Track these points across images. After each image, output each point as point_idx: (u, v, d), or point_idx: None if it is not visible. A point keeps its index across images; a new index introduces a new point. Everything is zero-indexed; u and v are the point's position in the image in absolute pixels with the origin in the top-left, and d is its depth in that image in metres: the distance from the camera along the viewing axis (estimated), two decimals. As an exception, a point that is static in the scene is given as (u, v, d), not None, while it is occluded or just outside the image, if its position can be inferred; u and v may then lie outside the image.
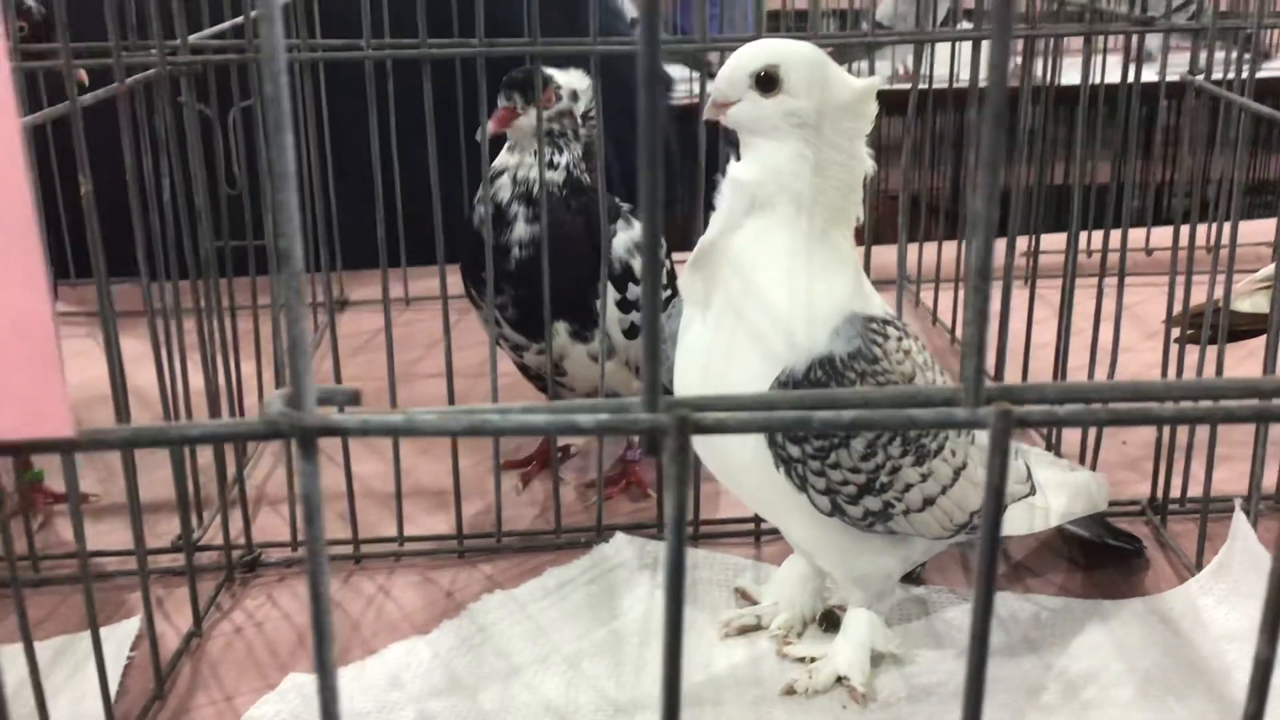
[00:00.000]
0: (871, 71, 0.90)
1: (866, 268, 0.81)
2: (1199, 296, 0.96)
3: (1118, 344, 0.98)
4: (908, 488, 0.73)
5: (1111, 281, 0.97)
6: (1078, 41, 0.99)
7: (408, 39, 0.88)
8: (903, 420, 0.29)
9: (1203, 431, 0.91)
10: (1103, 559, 0.92)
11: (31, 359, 0.26)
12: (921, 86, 1.36)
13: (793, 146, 0.71)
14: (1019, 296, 1.05)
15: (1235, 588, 0.83)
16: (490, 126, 0.93)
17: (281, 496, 0.99)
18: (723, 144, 0.82)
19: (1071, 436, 1.03)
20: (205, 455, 0.94)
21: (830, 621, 0.83)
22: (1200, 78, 0.90)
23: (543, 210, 0.91)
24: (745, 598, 0.88)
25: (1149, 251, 1.57)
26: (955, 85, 1.49)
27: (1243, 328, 1.05)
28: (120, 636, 0.83)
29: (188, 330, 0.92)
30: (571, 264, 0.95)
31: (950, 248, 1.43)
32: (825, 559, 0.80)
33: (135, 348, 0.85)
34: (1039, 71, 1.24)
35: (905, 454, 0.72)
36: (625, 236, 0.98)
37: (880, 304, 0.75)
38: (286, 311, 0.26)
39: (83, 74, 0.77)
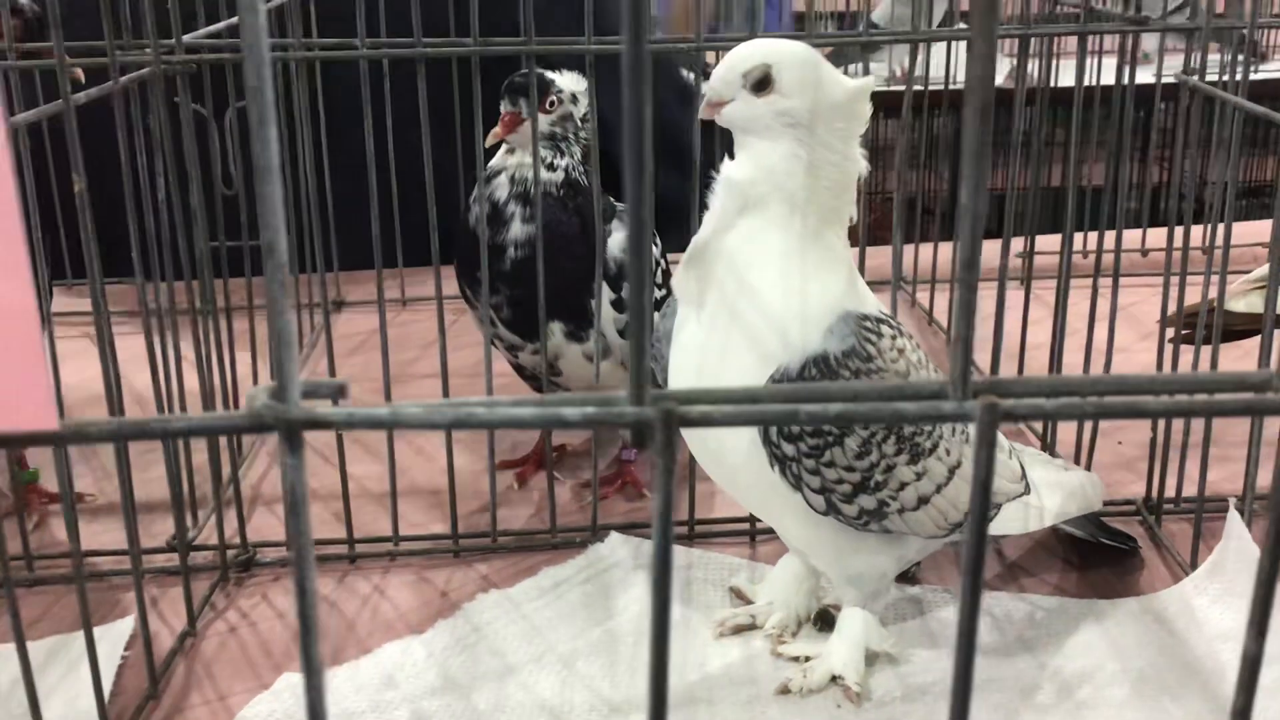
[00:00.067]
0: (866, 73, 0.90)
1: (862, 268, 0.81)
2: (1194, 296, 0.96)
3: (1112, 344, 0.98)
4: (902, 486, 0.73)
5: (1106, 281, 0.97)
6: (1073, 43, 0.98)
7: (403, 38, 0.88)
8: (890, 413, 0.29)
9: (1197, 432, 0.91)
10: (1098, 558, 0.92)
11: (15, 352, 0.26)
12: (917, 88, 1.37)
13: (785, 146, 0.71)
14: (1015, 296, 1.05)
15: (1230, 587, 0.83)
16: (498, 131, 0.93)
17: (276, 496, 0.99)
18: (719, 144, 0.82)
19: (1066, 437, 1.03)
20: (200, 455, 0.94)
21: (825, 621, 0.83)
22: (1195, 78, 0.90)
23: (537, 210, 0.91)
24: (740, 597, 0.87)
25: (1145, 252, 1.58)
26: (952, 87, 1.49)
27: (1238, 327, 1.05)
28: (115, 636, 0.83)
29: (184, 330, 0.92)
30: (567, 264, 0.95)
31: (946, 249, 1.43)
32: (820, 558, 0.80)
33: (132, 349, 0.85)
34: (1034, 72, 1.24)
35: (900, 452, 0.72)
36: (620, 236, 0.98)
37: (874, 303, 0.75)
38: (270, 304, 0.26)
39: (78, 72, 0.77)
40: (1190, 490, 0.92)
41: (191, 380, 0.95)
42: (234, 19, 1.00)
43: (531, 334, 0.97)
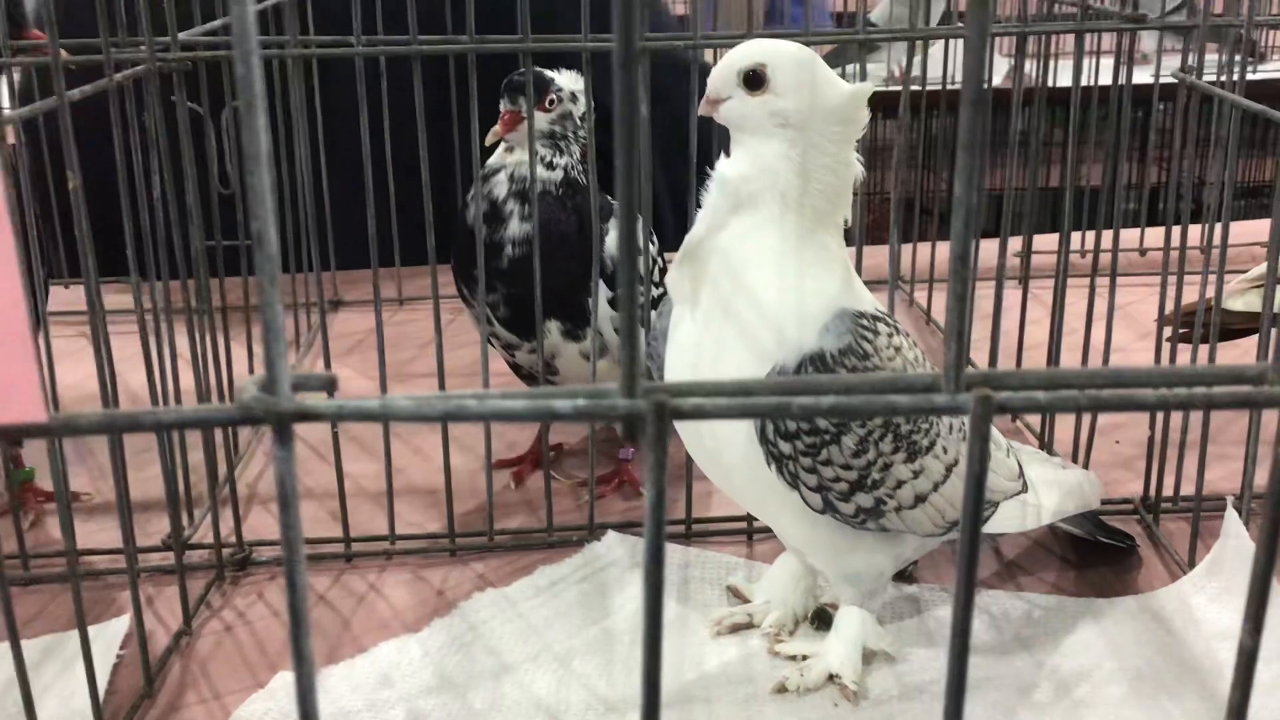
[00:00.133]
0: (864, 74, 0.90)
1: (859, 267, 0.81)
2: (1192, 296, 0.96)
3: (1110, 343, 0.97)
4: (899, 484, 0.73)
5: (1104, 281, 0.97)
6: (1071, 43, 0.98)
7: (399, 35, 0.88)
8: (883, 406, 0.29)
9: (1195, 430, 0.91)
10: (1095, 557, 0.92)
11: (3, 343, 0.26)
12: (915, 88, 1.37)
13: (777, 146, 0.71)
14: (1013, 296, 1.05)
15: (1228, 586, 0.83)
16: (498, 130, 0.93)
17: (273, 495, 0.99)
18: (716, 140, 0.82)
19: (1064, 435, 1.03)
20: (196, 454, 0.94)
21: (822, 619, 0.83)
22: (1192, 76, 0.90)
23: (533, 208, 0.91)
24: (737, 596, 0.87)
25: (1143, 251, 1.58)
26: (950, 87, 1.49)
27: (1236, 326, 1.05)
28: (110, 635, 0.83)
29: (181, 330, 0.92)
30: (565, 263, 0.95)
31: (945, 248, 1.43)
32: (817, 557, 0.80)
33: (128, 348, 0.85)
34: (1031, 71, 1.24)
35: (897, 450, 0.72)
36: (618, 235, 0.97)
37: (871, 301, 0.75)
38: (260, 295, 0.26)
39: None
40: (1188, 489, 0.92)
41: (188, 379, 0.95)
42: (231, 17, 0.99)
43: (528, 333, 0.97)
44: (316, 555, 0.94)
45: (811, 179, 0.71)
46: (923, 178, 2.59)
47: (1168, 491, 0.95)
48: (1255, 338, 0.94)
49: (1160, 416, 0.94)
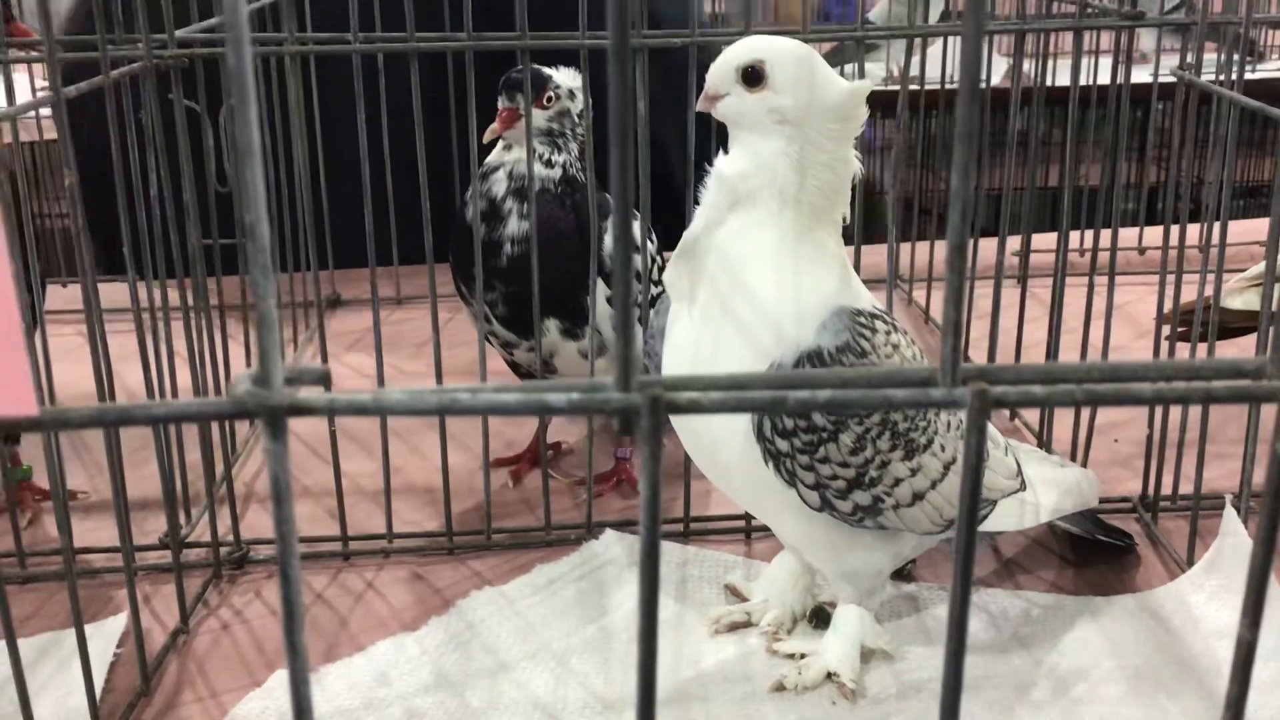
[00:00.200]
0: (862, 72, 0.90)
1: (857, 266, 0.80)
2: (1191, 294, 0.96)
3: (1108, 341, 0.97)
4: (897, 482, 0.73)
5: (1103, 280, 0.96)
6: (1069, 43, 0.98)
7: (397, 32, 0.88)
8: (879, 400, 0.28)
9: (1194, 429, 0.91)
10: (1094, 556, 0.92)
11: (-6, 336, 0.26)
12: (914, 87, 1.37)
13: (775, 143, 0.71)
14: (1011, 295, 1.05)
15: (1226, 584, 0.83)
16: (495, 127, 0.93)
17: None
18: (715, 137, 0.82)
19: (1062, 434, 1.03)
20: (194, 453, 0.94)
21: (820, 618, 0.83)
22: (1190, 74, 0.90)
23: (531, 207, 0.91)
24: (735, 594, 0.87)
25: (1141, 250, 1.57)
26: (948, 86, 1.49)
27: (1234, 324, 1.05)
28: (107, 633, 0.82)
29: (180, 328, 0.92)
30: (563, 261, 0.94)
31: (943, 247, 1.43)
32: (815, 555, 0.80)
33: (126, 347, 0.85)
34: (1029, 70, 1.24)
35: (894, 448, 0.72)
36: (614, 229, 0.97)
37: (869, 298, 0.75)
38: (253, 288, 0.26)
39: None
40: (1186, 488, 0.92)
41: (185, 378, 0.94)
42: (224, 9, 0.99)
43: (527, 331, 0.96)
44: (314, 554, 0.94)
45: (809, 176, 0.71)
46: (921, 177, 2.59)
47: (1166, 490, 0.95)
48: (1254, 336, 0.94)
49: (1159, 414, 0.94)
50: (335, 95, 1.14)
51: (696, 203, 0.74)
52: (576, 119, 0.97)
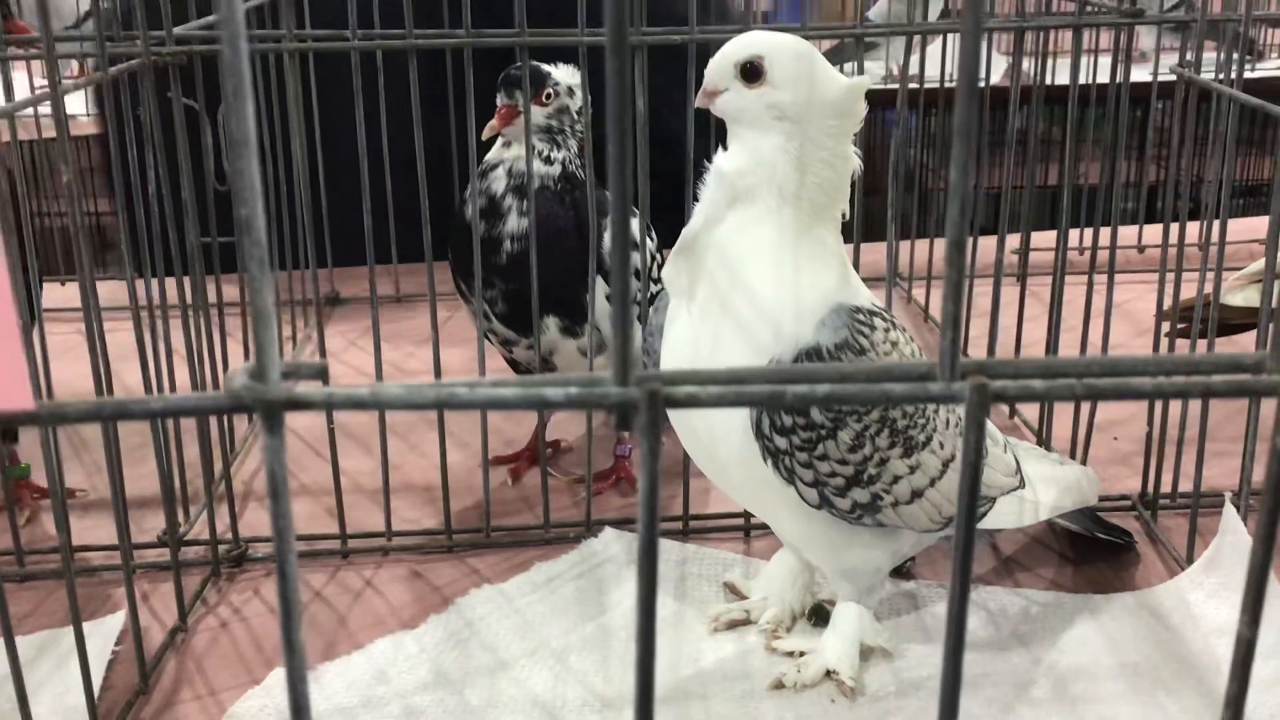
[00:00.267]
0: (861, 71, 0.90)
1: (856, 264, 0.80)
2: (1190, 292, 0.96)
3: (1108, 339, 0.97)
4: (896, 480, 0.73)
5: (1102, 278, 0.96)
6: (1069, 41, 0.98)
7: (395, 29, 0.88)
8: (878, 395, 0.28)
9: (1193, 427, 0.91)
10: (1093, 553, 0.92)
11: (-10, 330, 0.26)
12: (913, 86, 1.36)
13: (774, 139, 0.71)
14: (1010, 293, 1.05)
15: (1226, 582, 0.83)
16: (494, 124, 0.93)
17: (269, 491, 0.98)
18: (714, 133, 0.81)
19: (1061, 432, 1.03)
20: (192, 451, 0.94)
21: (819, 616, 0.83)
22: (1190, 71, 0.89)
23: (530, 204, 0.91)
24: (734, 592, 0.87)
25: (1141, 249, 1.57)
26: (948, 84, 1.49)
27: (1234, 322, 1.04)
28: (105, 631, 0.82)
29: (180, 327, 0.92)
30: (563, 258, 0.94)
31: (943, 245, 1.42)
32: (814, 552, 0.80)
33: (124, 346, 0.85)
34: (1029, 68, 1.24)
35: (893, 446, 0.72)
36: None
37: (868, 296, 0.75)
38: (248, 282, 0.26)
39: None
40: (1186, 486, 0.92)
41: (183, 376, 0.94)
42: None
43: (526, 329, 0.96)
44: (313, 552, 0.94)
45: (809, 172, 0.71)
46: (921, 175, 2.59)
47: (1166, 488, 0.95)
48: (1253, 333, 0.94)
49: (1159, 412, 0.93)
50: (334, 93, 1.14)
51: (696, 199, 0.74)
52: (575, 116, 0.97)
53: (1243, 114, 0.85)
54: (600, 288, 0.96)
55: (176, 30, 0.89)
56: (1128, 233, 1.54)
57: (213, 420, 0.95)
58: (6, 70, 0.74)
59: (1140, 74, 1.53)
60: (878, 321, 0.72)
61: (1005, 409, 1.16)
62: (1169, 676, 0.77)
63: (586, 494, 0.97)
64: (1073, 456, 1.00)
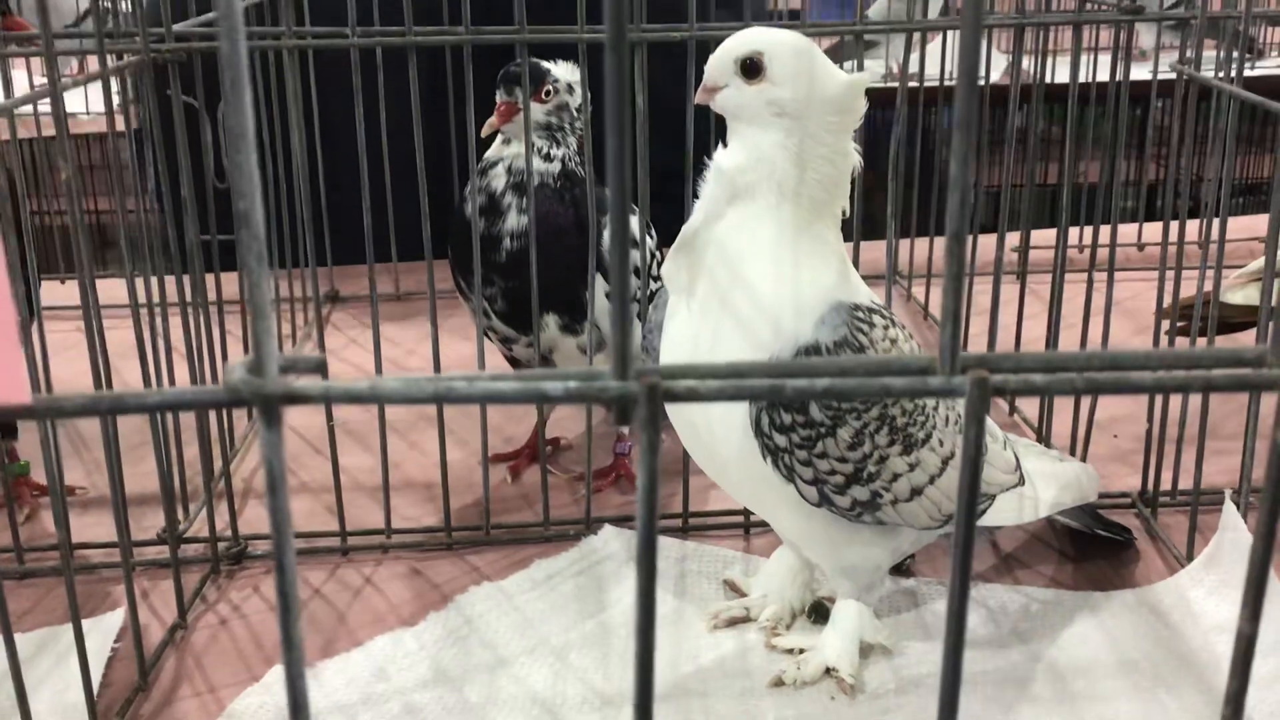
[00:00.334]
0: (861, 69, 0.89)
1: (856, 262, 0.80)
2: (1190, 290, 0.96)
3: (1108, 336, 0.97)
4: (895, 477, 0.73)
5: (1102, 276, 0.96)
6: (1069, 39, 0.98)
7: (394, 26, 0.88)
8: (878, 388, 0.28)
9: (1193, 425, 0.91)
10: (1093, 551, 0.91)
11: (-13, 324, 0.26)
12: (913, 84, 1.36)
13: (774, 135, 0.71)
14: (1010, 290, 1.05)
15: (1226, 579, 0.83)
16: (494, 121, 0.93)
17: (268, 489, 0.98)
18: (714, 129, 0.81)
19: (1061, 429, 1.03)
20: (192, 448, 0.94)
21: (819, 613, 0.83)
22: (1190, 68, 0.89)
23: (529, 202, 0.90)
24: (734, 590, 0.87)
25: (1141, 246, 1.57)
26: (947, 83, 1.49)
27: (1234, 320, 1.04)
28: (105, 628, 0.82)
29: (176, 323, 0.92)
30: (563, 256, 0.94)
31: (943, 243, 1.42)
32: (813, 550, 0.80)
33: (124, 343, 0.84)
34: (1029, 67, 1.24)
35: (893, 443, 0.72)
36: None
37: (867, 293, 0.75)
38: (246, 275, 0.26)
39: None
40: (1186, 483, 0.92)
41: (183, 374, 0.94)
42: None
43: (526, 327, 0.96)
44: (312, 549, 0.94)
45: (808, 169, 0.71)
46: (921, 172, 2.58)
47: (1166, 485, 0.95)
48: (1253, 331, 0.93)
49: (1159, 409, 0.93)
50: (333, 91, 1.14)
51: (695, 196, 0.74)
52: (575, 113, 0.96)
53: (1242, 112, 0.84)
54: (600, 285, 0.96)
55: (176, 27, 0.89)
56: (1127, 230, 1.54)
57: (212, 417, 0.95)
58: (6, 68, 0.74)
59: (1140, 73, 1.53)
60: (877, 319, 0.72)
61: (1005, 406, 1.16)
62: (1169, 674, 0.77)
63: (586, 491, 0.97)
64: (1073, 453, 1.00)
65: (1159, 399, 0.93)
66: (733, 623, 0.83)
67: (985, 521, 0.81)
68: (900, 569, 0.88)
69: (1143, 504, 0.96)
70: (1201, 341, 0.93)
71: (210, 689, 0.78)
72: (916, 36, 1.18)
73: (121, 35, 0.84)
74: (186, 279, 0.93)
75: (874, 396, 0.36)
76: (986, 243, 1.20)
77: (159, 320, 0.90)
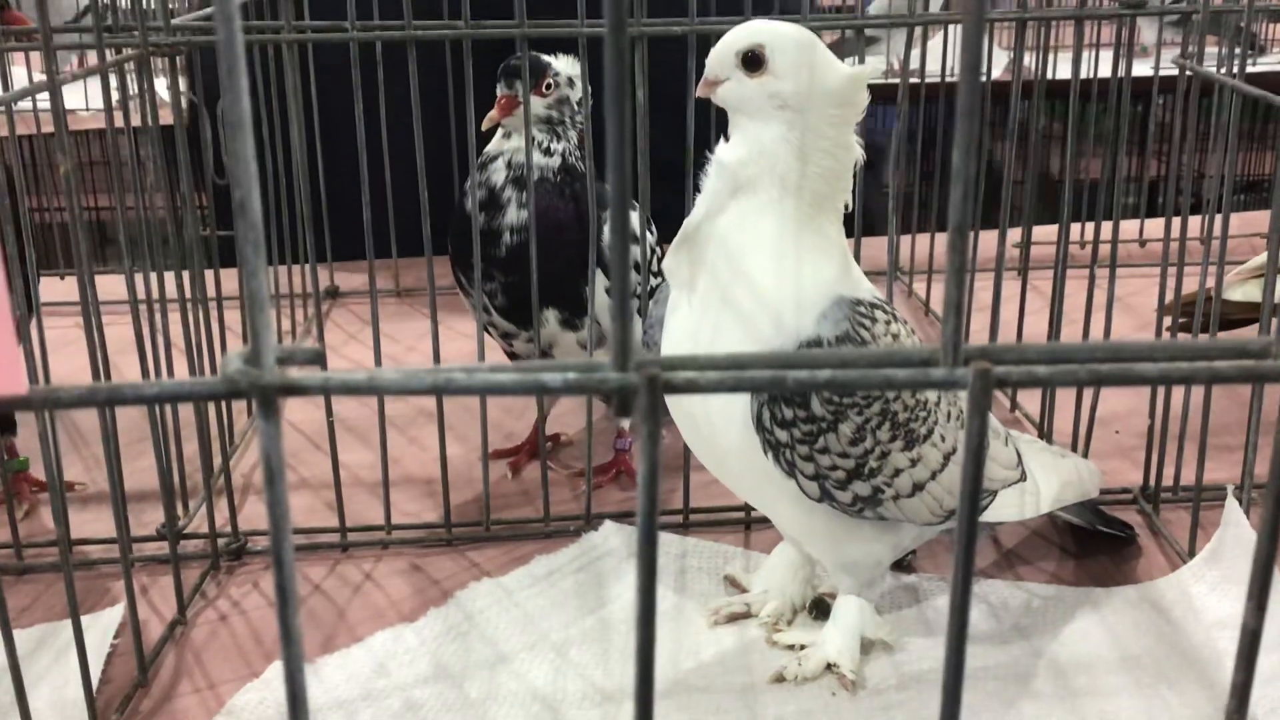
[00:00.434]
0: (862, 63, 0.89)
1: (857, 257, 0.80)
2: (1192, 286, 0.95)
3: (1109, 333, 0.97)
4: (897, 473, 0.72)
5: (1104, 272, 0.96)
6: (1070, 36, 0.98)
7: (394, 20, 0.87)
8: (879, 380, 0.28)
9: (1195, 422, 0.91)
10: (1095, 546, 0.91)
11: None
12: (914, 80, 1.36)
13: (776, 129, 0.71)
14: (1011, 287, 1.05)
15: (1228, 575, 0.83)
16: (494, 115, 0.92)
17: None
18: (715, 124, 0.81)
19: (1063, 425, 1.03)
20: (191, 444, 0.94)
21: (820, 609, 0.83)
22: (1192, 62, 0.89)
23: (529, 196, 0.90)
24: (735, 585, 0.87)
25: (1142, 242, 1.57)
26: (949, 79, 1.48)
27: (1235, 317, 1.04)
28: (104, 624, 0.82)
29: (176, 319, 0.91)
30: (563, 250, 0.94)
31: (944, 239, 1.42)
32: (815, 546, 0.80)
33: (124, 339, 0.84)
34: (1030, 63, 1.24)
35: (894, 439, 0.72)
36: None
37: (869, 288, 0.75)
38: (242, 265, 0.26)
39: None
40: (1188, 479, 0.92)
41: (182, 369, 0.94)
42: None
43: (526, 322, 0.96)
44: (312, 545, 0.94)
45: (810, 162, 0.71)
46: (921, 170, 2.59)
47: (1168, 481, 0.95)
48: (1254, 328, 0.93)
49: (1160, 404, 0.93)
50: (333, 85, 1.14)
51: (697, 190, 0.74)
52: (575, 107, 0.96)
53: (1244, 107, 0.84)
54: (600, 280, 0.96)
55: (175, 21, 0.88)
56: (1129, 227, 1.54)
57: (211, 413, 0.95)
58: (5, 62, 0.74)
59: (1142, 69, 1.52)
60: (879, 314, 0.72)
61: (1006, 402, 1.16)
62: (1171, 670, 0.77)
63: (586, 487, 0.97)
64: (1074, 449, 1.00)
65: (1161, 394, 0.93)
66: (733, 619, 0.83)
67: (987, 517, 0.80)
68: (901, 565, 0.88)
69: (1144, 500, 0.96)
70: (1203, 339, 0.93)
71: (210, 685, 0.78)
72: (918, 32, 1.17)
73: (120, 29, 0.84)
74: (186, 275, 0.93)
75: (876, 388, 0.36)
76: (988, 238, 1.20)
77: (158, 316, 0.90)
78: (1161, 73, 1.30)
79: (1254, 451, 0.86)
